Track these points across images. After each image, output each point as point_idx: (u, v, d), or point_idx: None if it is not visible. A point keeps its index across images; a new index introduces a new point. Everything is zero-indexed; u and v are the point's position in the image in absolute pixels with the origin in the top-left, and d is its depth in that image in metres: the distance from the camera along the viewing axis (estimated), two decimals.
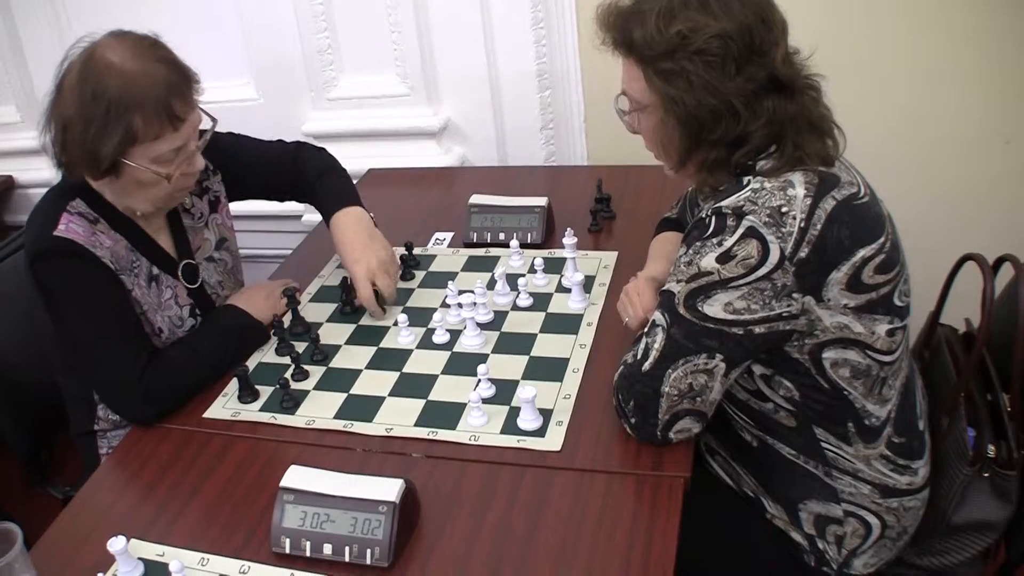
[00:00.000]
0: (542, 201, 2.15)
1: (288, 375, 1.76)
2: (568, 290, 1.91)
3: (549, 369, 1.71)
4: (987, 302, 1.58)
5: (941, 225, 2.43)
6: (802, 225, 1.35)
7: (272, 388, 1.74)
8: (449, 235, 2.22)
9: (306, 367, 1.78)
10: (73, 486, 2.10)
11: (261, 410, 1.70)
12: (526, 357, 1.74)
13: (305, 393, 1.73)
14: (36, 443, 2.15)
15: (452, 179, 2.58)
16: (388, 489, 1.38)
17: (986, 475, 1.55)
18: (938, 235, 2.19)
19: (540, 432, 1.56)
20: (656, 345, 1.44)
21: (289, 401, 1.70)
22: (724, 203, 1.39)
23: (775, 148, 1.42)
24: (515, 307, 1.90)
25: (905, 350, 1.54)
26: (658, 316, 1.45)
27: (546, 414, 1.59)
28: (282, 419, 1.68)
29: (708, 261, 1.38)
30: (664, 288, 1.46)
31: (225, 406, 1.73)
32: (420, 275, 2.07)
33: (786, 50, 1.41)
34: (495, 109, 2.62)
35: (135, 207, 1.79)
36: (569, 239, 1.91)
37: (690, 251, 1.41)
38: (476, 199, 2.20)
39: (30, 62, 3.05)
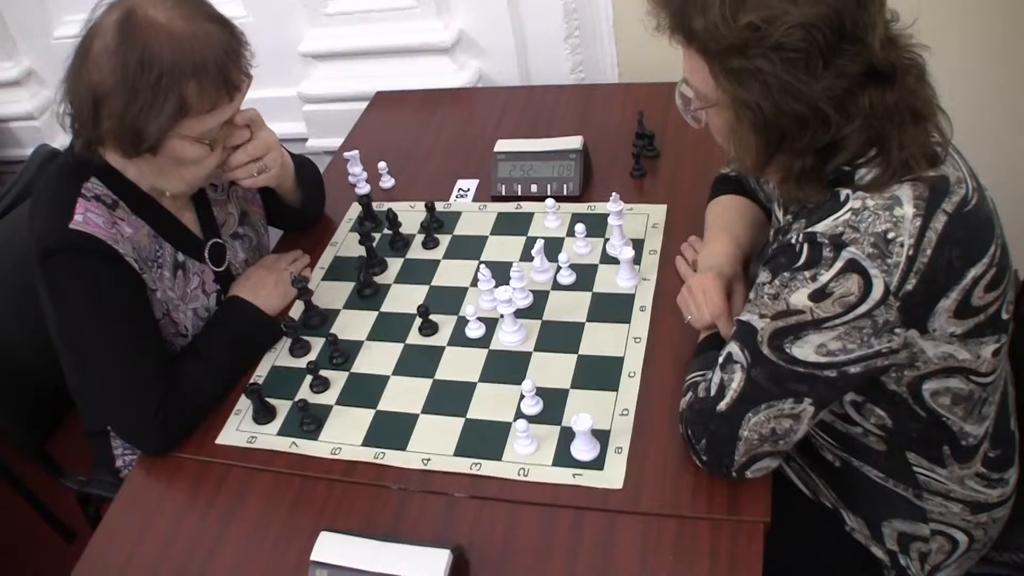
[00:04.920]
0: (576, 143, 1.89)
1: (307, 384, 1.57)
2: (614, 260, 1.68)
3: (601, 373, 1.50)
4: None
5: None
6: (910, 253, 1.12)
7: (290, 403, 1.56)
8: (473, 184, 1.97)
9: (325, 373, 1.58)
10: (88, 479, 1.96)
11: (280, 433, 1.52)
12: (574, 357, 1.54)
13: (327, 410, 1.54)
14: (40, 430, 1.98)
15: (470, 102, 2.30)
16: (434, 564, 1.21)
17: None
18: None
19: (598, 463, 1.37)
20: (734, 385, 1.23)
21: (311, 424, 1.51)
22: (819, 228, 1.15)
23: (875, 151, 1.16)
24: (556, 285, 1.68)
25: (1004, 359, 1.33)
26: (735, 350, 1.23)
27: (602, 436, 1.40)
28: (304, 446, 1.49)
29: (799, 298, 1.15)
30: (743, 319, 1.23)
31: (239, 428, 1.54)
32: (445, 241, 1.83)
33: (885, 29, 1.13)
34: (513, 18, 2.29)
35: (166, 188, 1.58)
36: (614, 205, 1.67)
37: (776, 281, 1.18)
38: (502, 145, 1.93)
39: None
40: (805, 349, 1.17)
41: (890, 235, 1.12)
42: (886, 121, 1.14)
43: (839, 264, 1.12)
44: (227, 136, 1.56)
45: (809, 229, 1.16)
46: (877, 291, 1.12)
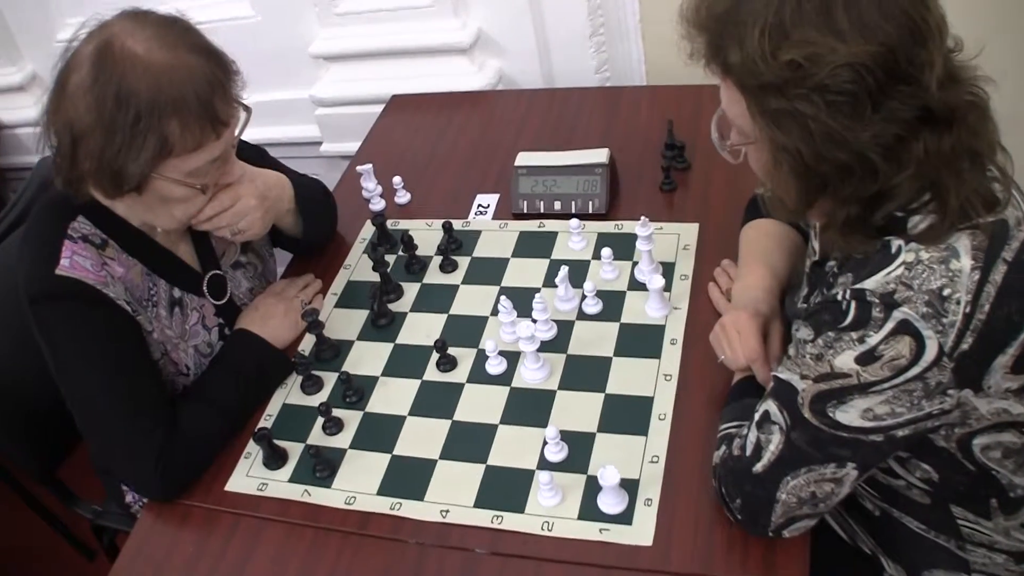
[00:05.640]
0: (602, 156, 1.78)
1: (320, 425, 1.50)
2: (643, 286, 1.59)
3: (630, 415, 1.41)
4: None
5: None
6: (967, 310, 1.02)
7: (302, 445, 1.48)
8: (494, 199, 1.88)
9: (339, 413, 1.51)
10: (101, 510, 1.90)
11: (291, 480, 1.45)
12: (601, 396, 1.45)
13: (341, 453, 1.46)
14: (46, 457, 1.90)
15: (489, 106, 2.20)
16: None
17: None
18: None
19: (626, 517, 1.29)
20: (771, 447, 1.14)
21: (324, 470, 1.44)
22: (868, 284, 1.04)
23: (929, 196, 1.06)
24: (581, 315, 1.59)
25: None
26: (773, 409, 1.14)
27: (631, 486, 1.32)
28: (317, 494, 1.42)
29: (845, 360, 1.05)
30: (782, 376, 1.14)
31: (249, 473, 1.47)
32: (463, 264, 1.74)
33: (944, 67, 1.02)
34: (534, 15, 2.18)
35: (156, 224, 1.50)
36: (643, 229, 1.57)
37: (820, 341, 1.08)
38: (523, 159, 1.83)
39: None
40: (850, 414, 1.07)
41: (946, 292, 1.02)
42: (942, 168, 1.03)
43: (890, 325, 1.03)
44: (220, 174, 1.45)
45: (857, 285, 1.05)
46: (930, 353, 1.02)
